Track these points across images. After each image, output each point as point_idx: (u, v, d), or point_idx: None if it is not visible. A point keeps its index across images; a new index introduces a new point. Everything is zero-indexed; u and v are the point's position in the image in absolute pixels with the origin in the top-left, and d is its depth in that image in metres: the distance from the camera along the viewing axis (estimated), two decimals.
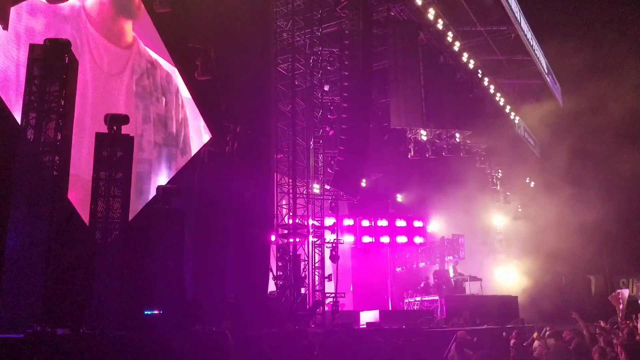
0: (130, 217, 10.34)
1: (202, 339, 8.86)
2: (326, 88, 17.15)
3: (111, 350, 6.96)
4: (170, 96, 13.53)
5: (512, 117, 23.80)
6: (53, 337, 6.83)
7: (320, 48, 16.77)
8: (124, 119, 10.11)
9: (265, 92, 13.74)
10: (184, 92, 13.93)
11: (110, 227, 9.42)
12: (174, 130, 13.44)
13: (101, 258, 9.07)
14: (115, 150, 9.82)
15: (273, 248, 14.49)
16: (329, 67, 16.96)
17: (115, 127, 10.00)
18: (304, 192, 16.08)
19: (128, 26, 12.85)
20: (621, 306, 15.96)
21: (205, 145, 13.27)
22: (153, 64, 13.24)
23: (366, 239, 21.37)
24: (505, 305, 19.19)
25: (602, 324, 15.37)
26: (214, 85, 13.09)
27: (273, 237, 14.44)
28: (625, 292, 15.57)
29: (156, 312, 9.17)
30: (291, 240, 14.41)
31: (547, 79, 23.99)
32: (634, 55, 22.17)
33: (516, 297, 20.61)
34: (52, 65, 9.40)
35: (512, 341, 12.02)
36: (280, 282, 13.62)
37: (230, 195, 12.08)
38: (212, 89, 13.04)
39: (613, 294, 17.55)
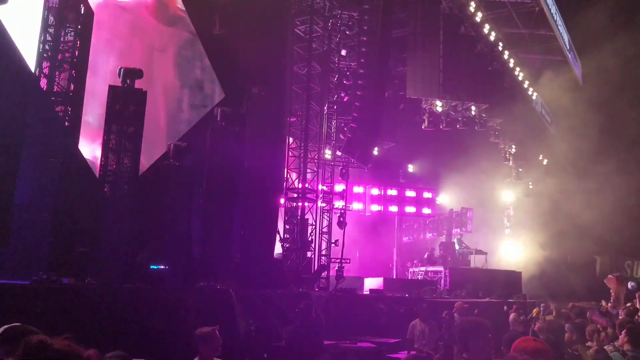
0: (141, 172, 10.38)
1: (206, 296, 8.93)
2: (343, 53, 16.91)
3: (115, 301, 7.07)
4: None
5: (530, 92, 23.37)
6: (58, 285, 6.93)
7: (339, 11, 16.46)
8: (138, 73, 10.04)
9: (281, 53, 13.54)
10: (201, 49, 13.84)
11: (120, 180, 9.48)
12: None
13: (109, 211, 9.15)
14: (128, 104, 9.80)
15: (281, 211, 14.53)
16: (347, 32, 16.67)
17: (128, 81, 9.95)
18: (315, 157, 16.04)
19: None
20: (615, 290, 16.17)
21: (218, 104, 13.19)
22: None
23: (375, 207, 21.40)
24: (509, 280, 19.25)
25: (603, 304, 15.52)
26: (230, 43, 12.93)
27: (282, 200, 14.47)
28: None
29: (162, 267, 9.26)
30: (300, 204, 14.44)
31: (569, 55, 23.44)
32: None
33: (520, 272, 20.65)
34: (67, 14, 9.32)
35: (512, 315, 12.11)
36: (287, 245, 13.71)
37: (241, 156, 12.05)
38: (228, 48, 12.89)
39: (609, 276, 17.67)
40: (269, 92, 12.43)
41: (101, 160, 9.52)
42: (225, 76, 13.60)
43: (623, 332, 6.25)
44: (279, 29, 13.40)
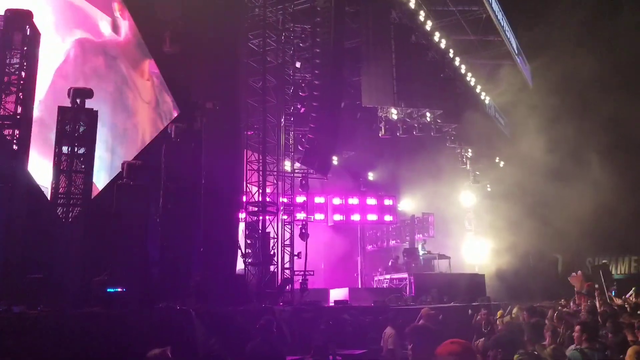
0: (95, 193, 10.15)
1: (165, 317, 8.75)
2: (298, 65, 16.97)
3: (69, 328, 6.84)
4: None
5: (482, 97, 23.92)
6: (8, 314, 6.67)
7: (292, 24, 16.55)
8: (88, 93, 9.84)
9: (235, 67, 13.50)
10: (152, 67, 13.65)
11: (72, 203, 9.23)
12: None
13: (62, 234, 8.90)
14: (78, 124, 9.59)
15: (242, 226, 14.40)
16: (300, 44, 16.78)
17: (78, 101, 9.75)
18: (274, 169, 15.99)
19: None
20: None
21: (172, 121, 13.03)
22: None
23: (337, 217, 21.43)
24: (473, 283, 19.46)
25: (562, 302, 15.81)
26: (183, 59, 12.81)
27: (242, 215, 14.35)
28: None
29: (119, 289, 9.04)
30: (260, 217, 14.36)
31: (517, 59, 24.13)
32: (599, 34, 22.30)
33: (483, 275, 20.94)
34: (12, 36, 9.08)
35: (477, 318, 12.23)
36: (249, 260, 13.58)
37: (198, 172, 11.91)
38: (180, 64, 12.77)
39: (573, 274, 18.08)
40: (223, 106, 12.33)
41: (52, 183, 9.28)
42: (179, 92, 13.46)
43: (578, 330, 6.37)
44: (232, 44, 13.35)
